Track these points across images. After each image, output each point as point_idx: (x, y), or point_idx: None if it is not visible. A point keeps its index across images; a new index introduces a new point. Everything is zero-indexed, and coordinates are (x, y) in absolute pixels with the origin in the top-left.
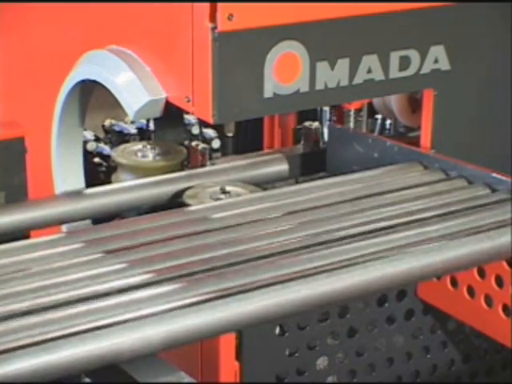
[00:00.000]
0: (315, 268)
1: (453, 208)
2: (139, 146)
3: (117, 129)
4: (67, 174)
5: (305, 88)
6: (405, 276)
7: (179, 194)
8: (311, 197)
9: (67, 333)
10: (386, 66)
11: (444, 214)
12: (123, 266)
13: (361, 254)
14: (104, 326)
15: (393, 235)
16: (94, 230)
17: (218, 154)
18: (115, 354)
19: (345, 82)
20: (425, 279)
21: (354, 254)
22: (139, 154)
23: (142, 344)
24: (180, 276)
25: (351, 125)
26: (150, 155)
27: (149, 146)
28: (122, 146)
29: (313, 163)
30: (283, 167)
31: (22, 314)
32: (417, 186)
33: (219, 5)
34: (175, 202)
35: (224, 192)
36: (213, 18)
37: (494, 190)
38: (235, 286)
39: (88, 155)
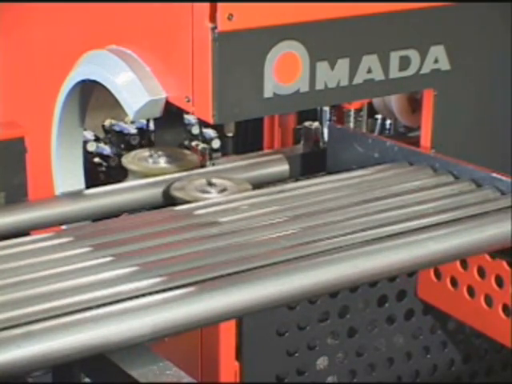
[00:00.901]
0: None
1: (448, 201)
2: (150, 152)
3: (117, 129)
4: (67, 174)
5: (305, 88)
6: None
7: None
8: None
9: (56, 323)
10: (386, 66)
11: (442, 210)
12: (113, 259)
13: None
14: (93, 316)
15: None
16: (84, 227)
17: (218, 154)
18: (104, 343)
19: (345, 82)
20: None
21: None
22: (150, 160)
23: (131, 334)
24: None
25: (351, 125)
26: (161, 161)
27: (159, 152)
28: (133, 153)
29: (313, 163)
30: (284, 168)
31: (11, 305)
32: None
33: (219, 5)
34: (167, 197)
35: (210, 184)
36: (213, 18)
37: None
38: (223, 275)
39: (88, 155)
